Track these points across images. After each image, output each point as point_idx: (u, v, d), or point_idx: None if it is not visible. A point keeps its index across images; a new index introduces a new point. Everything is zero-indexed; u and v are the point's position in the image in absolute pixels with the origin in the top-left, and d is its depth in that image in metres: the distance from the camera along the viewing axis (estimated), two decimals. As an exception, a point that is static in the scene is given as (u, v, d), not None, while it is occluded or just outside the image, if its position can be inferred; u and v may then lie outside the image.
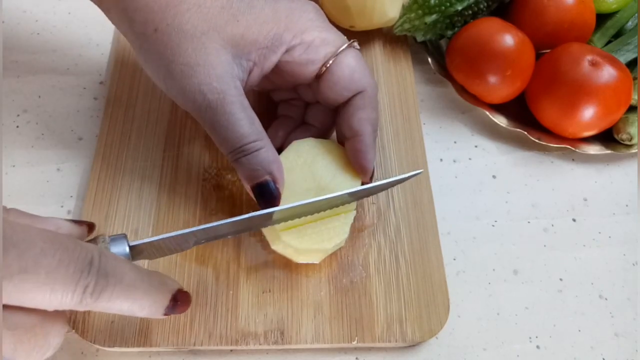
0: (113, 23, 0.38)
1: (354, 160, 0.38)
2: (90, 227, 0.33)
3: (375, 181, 0.38)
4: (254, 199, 0.36)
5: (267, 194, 0.36)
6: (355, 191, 0.37)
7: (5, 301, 0.25)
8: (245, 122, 0.35)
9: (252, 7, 0.36)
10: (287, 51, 0.37)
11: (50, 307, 0.26)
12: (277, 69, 0.38)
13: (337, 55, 0.38)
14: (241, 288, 0.38)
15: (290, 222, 0.37)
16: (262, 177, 0.36)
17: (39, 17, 0.52)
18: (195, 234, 0.34)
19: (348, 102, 0.38)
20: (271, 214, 0.35)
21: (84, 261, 0.27)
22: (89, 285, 0.27)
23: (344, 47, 0.38)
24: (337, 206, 0.37)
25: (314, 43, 0.37)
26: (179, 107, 0.46)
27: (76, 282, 0.26)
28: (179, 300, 0.31)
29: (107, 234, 0.32)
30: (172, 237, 0.33)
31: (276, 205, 0.36)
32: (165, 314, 0.31)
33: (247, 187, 0.36)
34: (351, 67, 0.38)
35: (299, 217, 0.36)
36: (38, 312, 0.26)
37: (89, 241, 0.31)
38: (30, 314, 0.26)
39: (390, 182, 0.38)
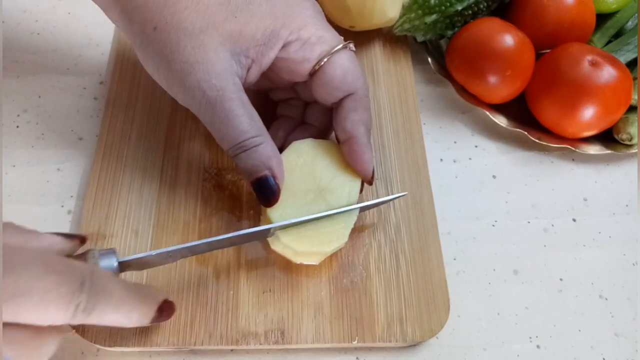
0: (113, 22, 0.38)
1: (352, 162, 0.39)
2: (82, 240, 0.34)
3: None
4: (254, 193, 0.36)
5: (266, 189, 0.36)
6: (355, 208, 0.38)
7: (3, 319, 0.27)
8: (245, 118, 0.35)
9: (250, 3, 0.36)
10: (283, 47, 0.37)
11: (44, 324, 0.28)
12: (274, 66, 0.38)
13: (331, 54, 0.38)
14: (241, 288, 0.38)
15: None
16: (261, 173, 0.36)
17: (39, 17, 0.52)
18: (181, 251, 0.35)
19: (340, 104, 0.39)
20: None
21: (76, 282, 0.28)
22: (81, 304, 0.28)
23: (339, 47, 0.38)
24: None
25: (310, 40, 0.37)
26: (179, 107, 0.45)
27: (68, 302, 0.28)
28: (164, 310, 0.33)
29: (96, 249, 0.34)
30: (160, 253, 0.34)
31: (275, 200, 0.36)
32: (152, 323, 0.33)
33: (247, 183, 0.37)
34: (344, 68, 0.38)
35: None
36: (34, 327, 0.28)
37: (79, 256, 0.33)
38: (26, 329, 0.28)
39: (389, 199, 0.40)
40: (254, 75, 0.38)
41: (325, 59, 0.37)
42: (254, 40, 0.36)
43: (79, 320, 0.29)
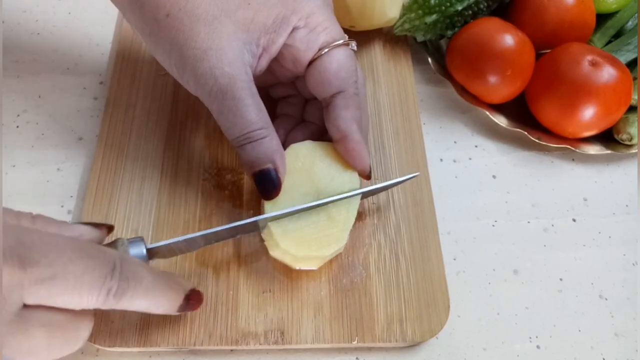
0: (121, 10, 0.38)
1: (349, 160, 0.38)
2: (110, 229, 0.35)
3: (374, 182, 0.39)
4: (255, 186, 0.37)
5: (268, 182, 0.36)
6: (353, 194, 0.38)
7: (39, 302, 0.28)
8: (253, 109, 0.36)
9: None
10: (291, 33, 0.37)
11: (78, 307, 0.29)
12: (280, 55, 0.38)
13: (331, 47, 0.38)
14: (241, 288, 0.38)
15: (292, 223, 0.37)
16: (264, 165, 0.36)
17: (39, 17, 0.52)
18: (204, 237, 0.36)
19: (330, 102, 0.38)
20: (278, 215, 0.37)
21: (107, 267, 0.30)
22: (112, 288, 0.30)
23: (340, 41, 0.38)
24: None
25: (317, 29, 0.37)
26: (179, 107, 0.46)
27: (100, 286, 0.29)
28: (192, 299, 0.34)
29: (124, 237, 0.35)
30: (185, 240, 0.35)
31: (276, 194, 0.37)
32: (179, 311, 0.33)
33: (249, 174, 0.37)
34: (340, 63, 0.38)
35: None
36: (68, 311, 0.29)
37: (109, 244, 0.34)
38: (61, 312, 0.29)
39: (386, 185, 0.40)
40: (263, 65, 0.38)
41: (325, 50, 0.37)
42: (265, 27, 0.36)
43: (110, 304, 0.30)
